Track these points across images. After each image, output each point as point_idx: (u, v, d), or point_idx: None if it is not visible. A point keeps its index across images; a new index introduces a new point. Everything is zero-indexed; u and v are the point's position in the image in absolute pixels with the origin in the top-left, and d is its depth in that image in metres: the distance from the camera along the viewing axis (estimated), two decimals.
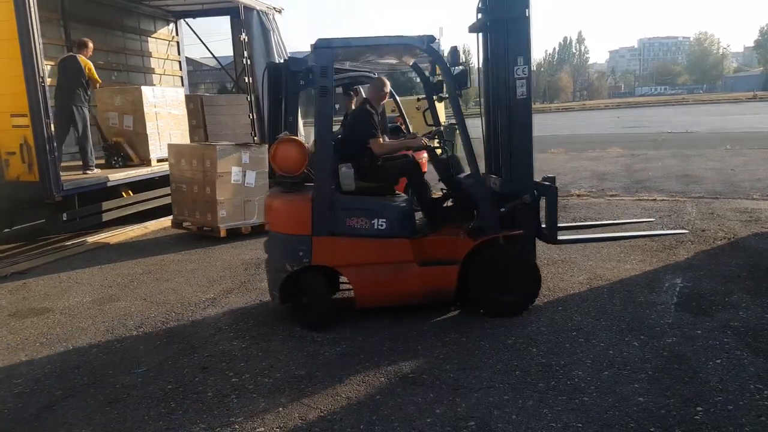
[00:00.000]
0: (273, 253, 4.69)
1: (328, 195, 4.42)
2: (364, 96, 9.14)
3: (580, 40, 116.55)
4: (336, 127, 8.56)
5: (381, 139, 4.97)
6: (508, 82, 4.46)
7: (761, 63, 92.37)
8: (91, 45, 8.68)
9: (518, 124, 4.49)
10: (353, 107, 8.97)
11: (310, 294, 4.49)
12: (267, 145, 8.28)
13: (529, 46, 4.47)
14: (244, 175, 7.50)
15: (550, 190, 4.63)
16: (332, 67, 4.47)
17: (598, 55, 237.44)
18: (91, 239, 7.72)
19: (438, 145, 5.29)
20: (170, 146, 8.39)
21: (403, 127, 9.16)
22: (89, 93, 8.69)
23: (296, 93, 8.17)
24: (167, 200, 8.55)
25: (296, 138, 4.65)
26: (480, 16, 4.71)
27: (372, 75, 9.32)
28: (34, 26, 6.78)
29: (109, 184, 8.30)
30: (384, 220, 4.46)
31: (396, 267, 4.48)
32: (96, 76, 8.54)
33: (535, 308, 4.64)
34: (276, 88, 8.43)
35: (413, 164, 5.03)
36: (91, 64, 8.49)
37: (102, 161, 9.41)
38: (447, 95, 4.99)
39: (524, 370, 3.63)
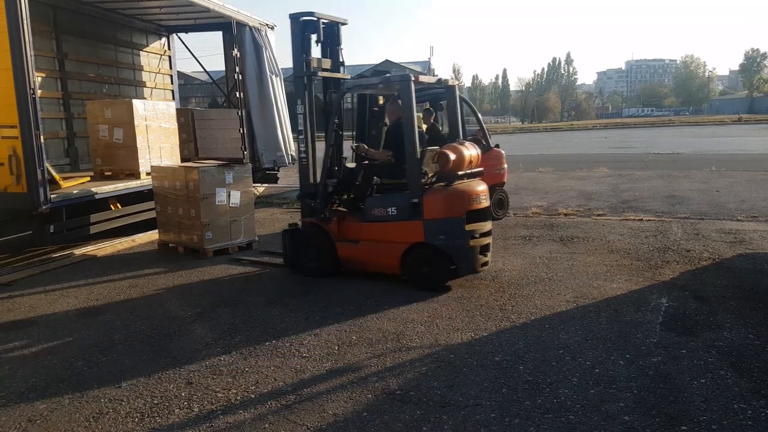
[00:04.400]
0: None
1: None
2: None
3: (569, 61, 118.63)
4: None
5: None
6: None
7: (746, 86, 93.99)
8: None
9: None
10: (431, 122, 9.25)
11: None
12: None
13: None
14: (229, 196, 7.45)
15: None
16: None
17: (586, 76, 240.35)
18: (79, 252, 7.67)
19: None
20: (153, 168, 8.33)
21: None
22: None
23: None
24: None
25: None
26: None
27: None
28: (26, 38, 6.79)
29: (98, 196, 8.26)
30: None
31: None
32: None
33: (522, 326, 4.67)
34: (363, 107, 8.80)
35: None
36: None
37: (91, 173, 9.39)
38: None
39: (511, 388, 3.64)
